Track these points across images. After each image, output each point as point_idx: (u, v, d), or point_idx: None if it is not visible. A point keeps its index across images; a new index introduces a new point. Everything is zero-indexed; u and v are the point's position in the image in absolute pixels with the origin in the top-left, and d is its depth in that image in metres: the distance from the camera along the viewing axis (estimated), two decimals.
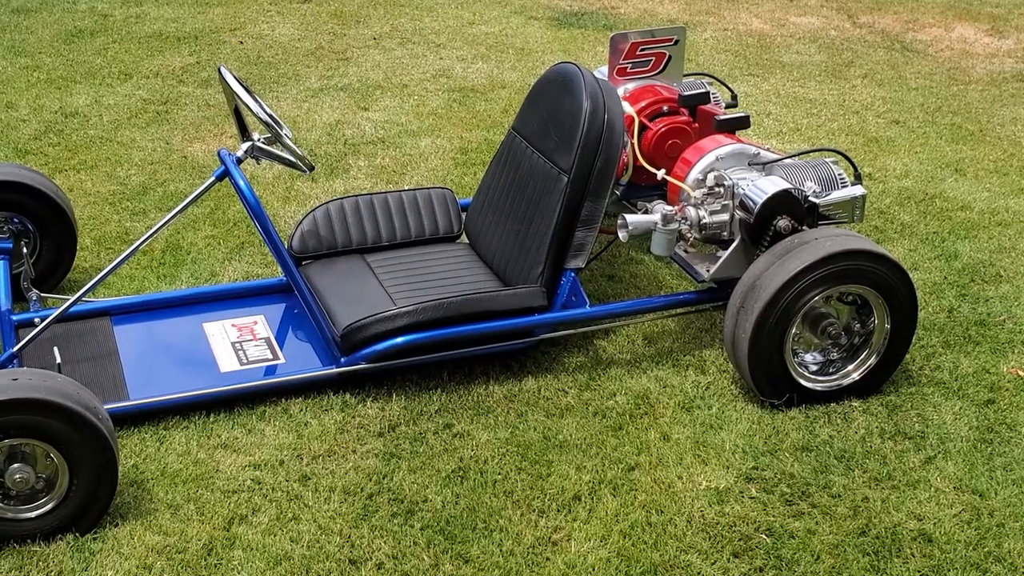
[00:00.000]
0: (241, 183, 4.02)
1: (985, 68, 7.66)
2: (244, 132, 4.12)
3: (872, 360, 4.09)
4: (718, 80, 4.95)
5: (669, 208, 4.18)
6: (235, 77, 4.04)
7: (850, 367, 4.10)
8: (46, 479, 3.34)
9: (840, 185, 4.25)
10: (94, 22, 8.12)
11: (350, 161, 5.96)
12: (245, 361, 4.15)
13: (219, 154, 4.09)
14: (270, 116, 3.96)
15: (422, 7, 8.67)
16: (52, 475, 3.34)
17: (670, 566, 3.35)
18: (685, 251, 4.46)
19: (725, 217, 4.19)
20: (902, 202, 5.63)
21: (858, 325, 4.08)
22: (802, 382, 4.04)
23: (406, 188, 4.84)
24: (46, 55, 7.42)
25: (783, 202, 4.04)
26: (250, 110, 3.95)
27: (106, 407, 3.51)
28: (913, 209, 5.56)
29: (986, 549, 3.43)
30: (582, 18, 8.51)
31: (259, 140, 4.08)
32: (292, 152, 4.05)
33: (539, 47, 7.84)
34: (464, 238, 4.72)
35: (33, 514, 3.33)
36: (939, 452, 3.86)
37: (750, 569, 3.35)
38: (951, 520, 3.55)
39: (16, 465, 3.28)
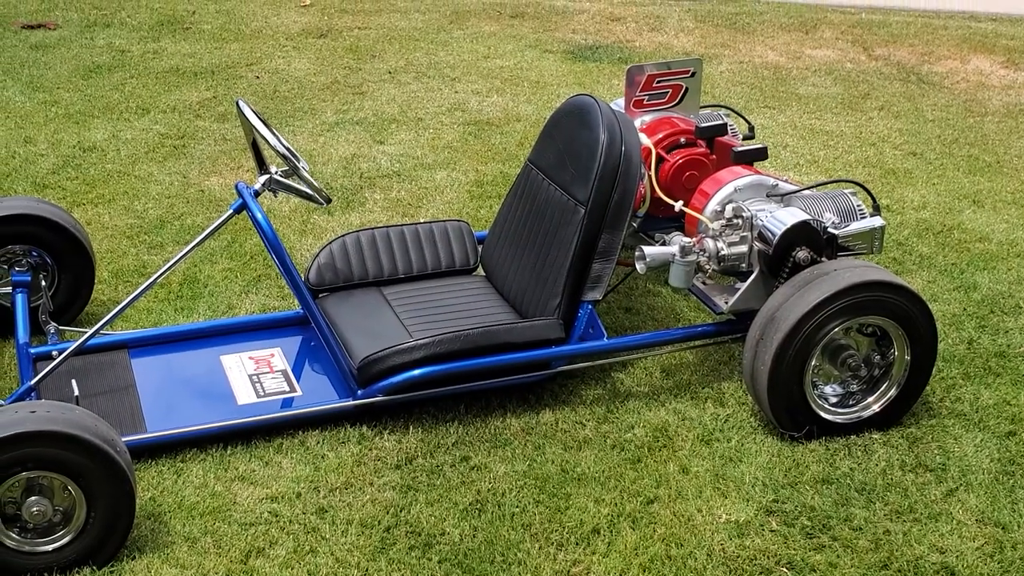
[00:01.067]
0: (259, 215, 4.02)
1: (1001, 100, 7.66)
2: (262, 165, 4.13)
3: (892, 392, 4.06)
4: (735, 112, 4.95)
5: (687, 240, 4.17)
6: (253, 110, 4.06)
7: (870, 399, 4.08)
8: (63, 512, 3.33)
9: (859, 216, 4.24)
10: (112, 58, 8.17)
11: (366, 194, 5.97)
12: (262, 393, 4.14)
13: (237, 187, 4.09)
14: (287, 149, 3.97)
15: (437, 42, 8.71)
16: (69, 508, 3.33)
17: None
18: (703, 283, 4.44)
19: (743, 249, 4.18)
20: (920, 233, 5.61)
21: (878, 357, 4.06)
22: (822, 414, 4.02)
23: (422, 221, 4.84)
24: (64, 90, 7.47)
25: (802, 233, 4.03)
26: (267, 143, 3.96)
27: (124, 439, 3.50)
28: (931, 241, 5.54)
29: None
30: (597, 51, 8.54)
31: (277, 173, 4.09)
32: (309, 185, 4.06)
33: (554, 80, 7.86)
34: (480, 271, 4.71)
35: (50, 547, 3.32)
36: (961, 484, 3.83)
37: None
38: (974, 553, 3.51)
39: (34, 498, 3.27)
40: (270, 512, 3.63)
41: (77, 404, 3.54)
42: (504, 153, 6.54)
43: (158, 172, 6.21)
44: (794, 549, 3.53)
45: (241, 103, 4.10)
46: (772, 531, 3.61)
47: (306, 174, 4.04)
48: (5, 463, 3.19)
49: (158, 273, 4.02)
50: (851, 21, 9.40)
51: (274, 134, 3.98)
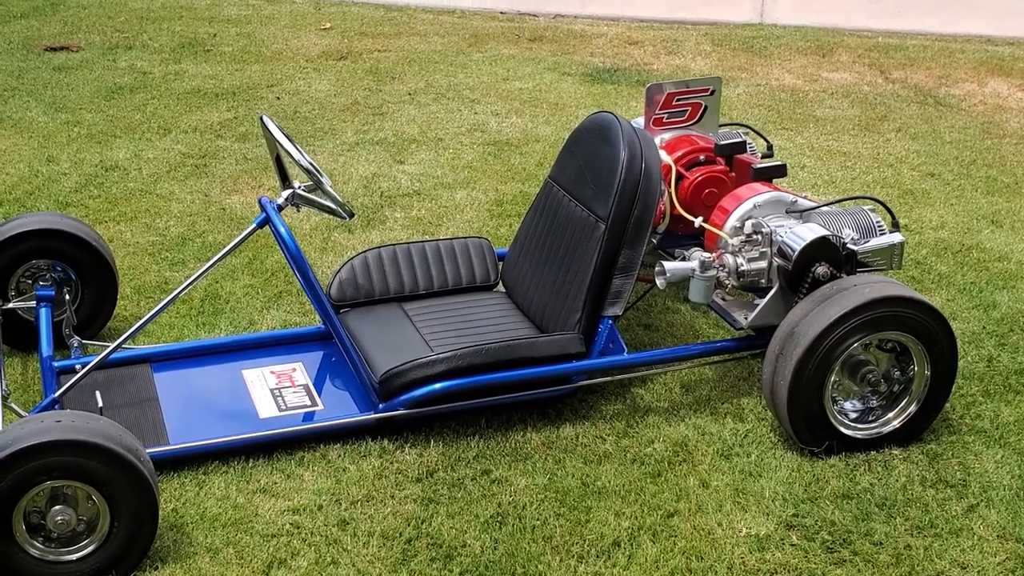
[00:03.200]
0: (282, 230, 4.05)
1: (1019, 122, 7.66)
2: (285, 180, 4.17)
3: (912, 408, 4.06)
4: (753, 130, 4.98)
5: (707, 255, 4.19)
6: (277, 126, 4.09)
7: (890, 415, 4.08)
8: (87, 521, 3.35)
9: (878, 232, 4.25)
10: (134, 79, 8.24)
11: (386, 213, 6.01)
12: (284, 407, 4.16)
13: (260, 201, 4.13)
14: (310, 164, 4.01)
15: (456, 64, 8.76)
16: (93, 517, 3.35)
17: None
18: (722, 299, 4.46)
19: (763, 264, 4.19)
20: (939, 253, 5.62)
21: (898, 372, 4.06)
22: (842, 429, 4.02)
23: (443, 237, 4.86)
24: (87, 111, 7.53)
25: (821, 249, 4.05)
26: (291, 157, 4.00)
27: (147, 451, 3.52)
28: (950, 260, 5.55)
29: None
30: (615, 74, 8.58)
31: (300, 188, 4.12)
32: (332, 199, 4.09)
33: (573, 102, 7.90)
34: (500, 287, 4.73)
35: (74, 556, 3.34)
36: (981, 500, 3.83)
37: None
38: (995, 569, 3.51)
39: (58, 507, 3.30)
40: (292, 524, 3.64)
41: (101, 415, 3.57)
42: (524, 173, 6.57)
43: (179, 191, 6.26)
44: (815, 563, 3.53)
45: (265, 118, 4.14)
46: (792, 545, 3.61)
47: (329, 188, 4.07)
48: (31, 472, 3.21)
49: (182, 287, 4.06)
50: (868, 44, 9.43)
51: (297, 149, 4.02)
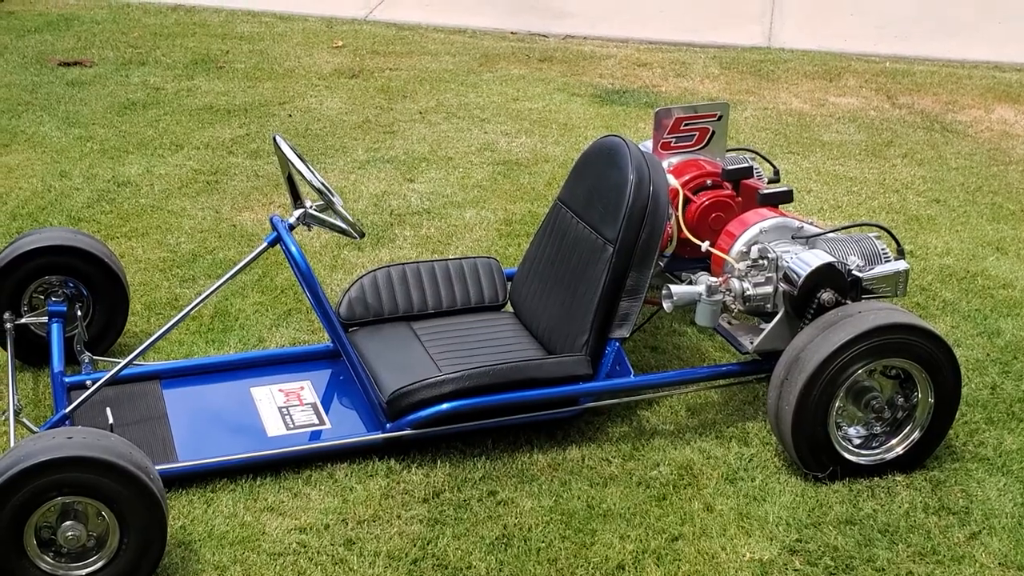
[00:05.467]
0: (293, 249, 4.09)
1: None
2: (296, 199, 4.21)
3: (916, 435, 4.09)
4: (760, 155, 5.01)
5: (713, 279, 4.22)
6: (289, 145, 4.14)
7: (894, 441, 4.10)
8: (97, 537, 3.39)
9: (883, 260, 4.29)
10: (146, 95, 8.29)
11: (396, 231, 6.05)
12: (291, 426, 4.19)
13: (271, 220, 4.17)
14: (322, 183, 4.05)
15: (467, 84, 8.81)
16: (103, 533, 3.39)
17: None
18: (728, 323, 4.49)
19: (769, 289, 4.22)
20: (943, 279, 5.64)
21: (902, 399, 4.09)
22: (846, 455, 4.05)
23: (452, 257, 4.90)
24: (99, 126, 7.58)
25: (827, 275, 4.08)
26: (303, 177, 4.04)
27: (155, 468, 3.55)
28: (955, 286, 5.57)
29: None
30: (624, 95, 8.62)
31: (311, 207, 4.17)
32: (343, 219, 4.13)
33: (582, 123, 7.94)
34: (509, 307, 4.77)
35: (83, 572, 3.38)
36: (984, 528, 3.85)
37: None
38: None
39: (68, 522, 3.33)
40: (298, 543, 3.67)
41: (111, 432, 3.61)
42: (533, 193, 6.61)
43: (191, 207, 6.31)
44: None
45: (278, 138, 4.18)
46: (796, 570, 3.63)
47: (340, 208, 4.11)
48: (42, 488, 3.25)
49: (194, 303, 4.10)
50: (875, 70, 9.46)
51: (309, 168, 4.06)
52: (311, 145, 7.31)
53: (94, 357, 4.42)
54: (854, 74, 9.32)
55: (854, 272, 4.14)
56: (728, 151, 4.90)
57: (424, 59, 9.47)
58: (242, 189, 6.58)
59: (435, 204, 6.42)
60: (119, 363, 4.10)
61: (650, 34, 10.42)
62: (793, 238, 4.33)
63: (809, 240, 4.31)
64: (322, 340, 4.82)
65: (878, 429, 4.11)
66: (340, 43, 9.85)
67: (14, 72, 8.72)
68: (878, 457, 4.09)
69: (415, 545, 3.67)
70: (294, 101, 8.25)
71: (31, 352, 4.57)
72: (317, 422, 4.23)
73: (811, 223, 4.44)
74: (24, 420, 3.99)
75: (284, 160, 4.16)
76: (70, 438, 3.32)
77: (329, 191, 4.08)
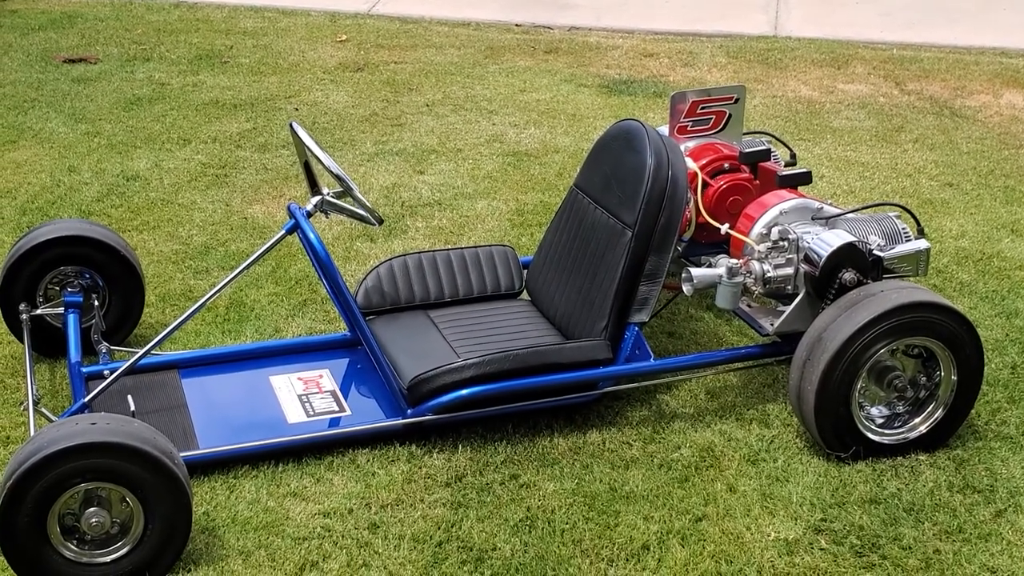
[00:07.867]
0: (311, 236, 4.07)
1: None
2: (314, 186, 4.19)
3: (939, 413, 4.07)
4: (777, 139, 5.00)
5: (734, 261, 4.20)
6: (307, 132, 4.12)
7: (917, 420, 4.09)
8: (121, 524, 3.38)
9: (904, 239, 4.27)
10: (152, 90, 8.28)
11: (408, 222, 6.03)
12: (312, 413, 4.18)
13: (289, 208, 4.15)
14: (340, 171, 4.03)
15: (473, 76, 8.79)
16: (127, 520, 3.37)
17: None
18: (748, 306, 4.47)
19: (790, 271, 4.20)
20: (960, 261, 5.63)
21: (924, 378, 4.07)
22: (869, 435, 4.03)
23: (467, 246, 4.88)
24: (106, 122, 7.57)
25: (848, 255, 4.06)
26: (322, 163, 4.02)
27: None
28: (971, 268, 5.56)
29: None
30: (631, 86, 8.60)
31: (329, 194, 4.15)
32: (362, 205, 4.11)
33: (590, 113, 7.93)
34: (525, 295, 4.75)
35: (108, 559, 3.37)
36: (1009, 505, 3.84)
37: None
38: None
39: (92, 509, 3.32)
40: (323, 527, 3.66)
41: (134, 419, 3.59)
42: (544, 183, 6.59)
43: (201, 200, 6.29)
44: (844, 567, 3.54)
45: (295, 124, 4.16)
46: (821, 549, 3.62)
47: (359, 195, 4.09)
48: (66, 474, 3.24)
49: (212, 292, 4.09)
50: (883, 57, 9.45)
51: (327, 155, 4.04)
52: (319, 138, 7.29)
53: (111, 347, 4.40)
54: (862, 61, 9.30)
55: (875, 252, 4.13)
56: (744, 135, 4.88)
57: (429, 52, 9.45)
58: (251, 182, 6.56)
59: (446, 195, 6.41)
60: (136, 353, 4.07)
61: (656, 25, 10.41)
62: (813, 219, 4.31)
63: (829, 221, 4.30)
64: (339, 329, 4.81)
65: (901, 408, 4.09)
66: (344, 37, 9.83)
67: (19, 69, 8.70)
68: (901, 436, 4.08)
69: (439, 528, 3.66)
70: (300, 95, 8.23)
71: (46, 343, 4.56)
72: (337, 409, 4.21)
73: (830, 204, 4.42)
74: (43, 410, 3.97)
75: (301, 147, 4.14)
76: (94, 424, 3.31)
77: (347, 178, 4.06)
